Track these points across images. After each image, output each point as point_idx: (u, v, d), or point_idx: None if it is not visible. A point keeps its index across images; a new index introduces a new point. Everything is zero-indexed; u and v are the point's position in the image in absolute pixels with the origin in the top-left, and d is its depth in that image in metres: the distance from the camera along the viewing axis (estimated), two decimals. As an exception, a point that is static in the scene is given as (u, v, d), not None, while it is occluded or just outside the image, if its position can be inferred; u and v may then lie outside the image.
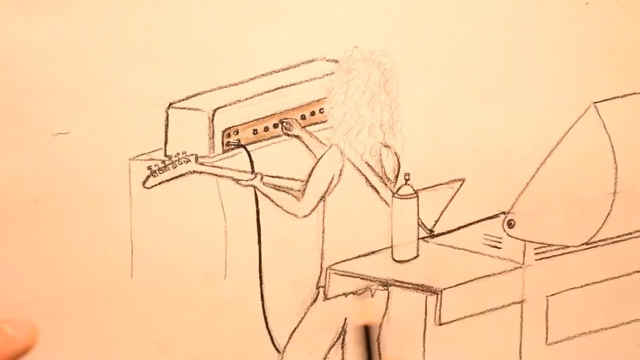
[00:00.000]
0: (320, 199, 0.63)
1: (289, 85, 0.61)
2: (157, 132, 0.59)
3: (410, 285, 0.64)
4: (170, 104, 0.59)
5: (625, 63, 0.67)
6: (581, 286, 0.68)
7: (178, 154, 0.60)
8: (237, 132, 0.61)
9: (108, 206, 0.59)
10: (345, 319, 0.64)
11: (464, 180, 0.64)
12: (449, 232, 0.65)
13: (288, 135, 0.62)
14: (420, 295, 0.65)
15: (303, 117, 0.62)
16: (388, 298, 0.64)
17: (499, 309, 0.66)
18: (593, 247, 0.68)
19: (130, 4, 0.58)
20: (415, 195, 0.64)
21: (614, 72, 0.66)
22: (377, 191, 0.64)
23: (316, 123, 0.62)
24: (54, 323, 0.59)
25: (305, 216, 0.63)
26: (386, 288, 0.64)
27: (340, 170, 0.63)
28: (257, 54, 0.60)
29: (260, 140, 0.61)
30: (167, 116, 0.59)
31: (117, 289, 0.60)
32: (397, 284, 0.64)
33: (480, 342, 0.66)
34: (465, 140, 0.64)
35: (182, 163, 0.60)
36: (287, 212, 0.62)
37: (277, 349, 0.63)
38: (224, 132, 0.61)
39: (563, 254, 0.67)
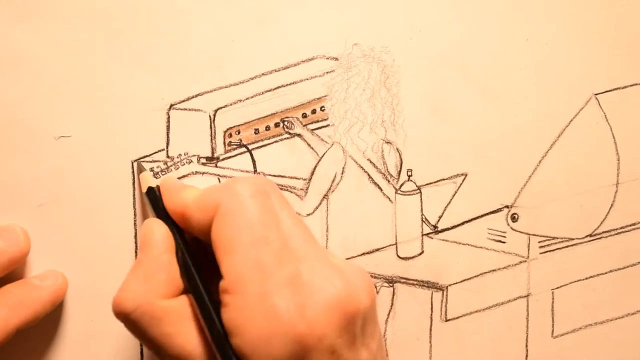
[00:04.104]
0: (323, 197, 0.63)
1: (290, 84, 0.61)
2: (158, 133, 0.59)
3: (415, 282, 0.64)
4: (171, 106, 0.59)
5: (626, 54, 0.67)
6: (586, 278, 0.68)
7: (180, 155, 0.60)
8: (239, 132, 0.61)
9: (112, 208, 0.59)
10: (351, 316, 0.64)
11: (466, 175, 0.64)
12: (452, 227, 0.65)
13: (289, 134, 0.62)
14: (426, 291, 0.65)
15: (304, 116, 0.62)
16: (393, 295, 0.64)
17: (504, 303, 0.66)
18: (597, 238, 0.68)
19: (129, 7, 0.58)
20: (418, 191, 0.64)
21: (614, 63, 0.66)
22: (380, 188, 0.64)
23: (317, 121, 0.62)
24: (59, 326, 0.59)
25: (308, 215, 0.63)
26: (391, 285, 0.64)
27: (343, 168, 0.63)
28: (257, 53, 0.60)
29: (262, 140, 0.61)
30: (168, 118, 0.59)
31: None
32: (402, 280, 0.64)
33: (487, 337, 0.66)
34: (466, 135, 0.64)
35: (184, 164, 0.60)
36: (291, 211, 0.62)
37: (283, 347, 0.63)
38: (225, 132, 0.61)
39: (567, 246, 0.67)
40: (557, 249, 0.67)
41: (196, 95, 0.60)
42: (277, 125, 0.61)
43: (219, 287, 0.48)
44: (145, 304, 0.49)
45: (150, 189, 0.56)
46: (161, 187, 0.55)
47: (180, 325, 0.49)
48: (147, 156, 0.59)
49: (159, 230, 0.52)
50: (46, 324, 0.59)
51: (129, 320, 0.49)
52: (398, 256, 0.64)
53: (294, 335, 0.44)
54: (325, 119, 0.62)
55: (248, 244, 0.47)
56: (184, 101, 0.59)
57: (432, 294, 0.65)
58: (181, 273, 0.51)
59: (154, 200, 0.55)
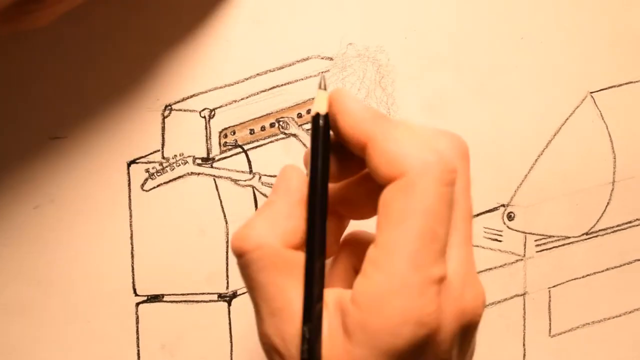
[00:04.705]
0: (319, 197, 0.63)
1: (285, 84, 0.61)
2: (153, 134, 0.59)
3: (411, 281, 0.64)
4: (166, 106, 0.59)
5: (622, 52, 0.67)
6: (583, 276, 0.68)
7: (175, 155, 0.60)
8: (234, 133, 0.61)
9: (107, 210, 0.59)
10: (348, 316, 0.64)
11: (462, 174, 0.64)
12: (449, 226, 0.65)
13: (285, 134, 0.62)
14: (422, 290, 0.65)
15: (299, 116, 0.62)
16: (390, 294, 0.64)
17: (501, 302, 0.66)
18: (593, 237, 0.68)
19: (125, 8, 0.58)
20: (414, 190, 0.64)
21: (610, 61, 0.66)
22: (375, 187, 0.63)
23: (313, 121, 0.62)
24: (56, 328, 0.59)
25: (304, 214, 0.62)
26: (388, 284, 0.64)
27: (338, 168, 0.63)
28: (251, 54, 0.60)
29: (257, 140, 0.61)
30: (164, 118, 0.59)
31: (119, 292, 0.60)
32: (399, 279, 0.64)
33: (484, 336, 0.66)
34: (462, 133, 0.64)
35: (179, 165, 0.60)
36: (287, 211, 0.62)
37: (280, 348, 0.63)
38: (220, 132, 0.61)
39: (564, 244, 0.67)
40: (553, 247, 0.67)
41: (191, 96, 0.60)
42: (272, 125, 0.61)
43: (366, 253, 0.46)
44: (267, 246, 0.46)
45: (324, 117, 0.47)
46: (335, 106, 0.47)
47: (293, 280, 0.46)
48: (142, 157, 0.59)
49: (299, 179, 0.48)
50: (43, 325, 0.59)
51: (246, 259, 0.46)
52: (394, 255, 0.64)
53: (422, 334, 0.43)
54: (320, 119, 0.62)
55: (416, 231, 0.44)
56: (179, 102, 0.59)
57: (428, 293, 0.65)
58: (307, 229, 0.47)
59: (323, 130, 0.47)
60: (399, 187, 0.45)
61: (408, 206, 0.44)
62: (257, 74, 0.60)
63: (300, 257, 0.47)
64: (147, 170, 0.59)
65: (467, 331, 0.46)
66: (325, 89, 0.48)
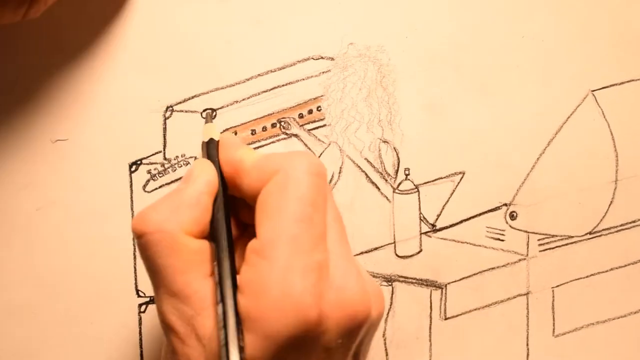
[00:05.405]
0: (321, 197, 0.63)
1: (286, 84, 0.61)
2: (155, 135, 0.59)
3: (414, 281, 0.64)
4: (168, 107, 0.59)
5: (623, 50, 0.67)
6: (587, 276, 0.68)
7: (177, 156, 0.60)
8: (236, 133, 0.61)
9: (110, 211, 0.59)
10: (351, 316, 0.64)
11: (464, 173, 0.64)
12: (451, 225, 0.65)
13: (286, 134, 0.62)
14: (425, 290, 0.65)
15: (301, 116, 0.62)
16: (392, 294, 0.64)
17: (504, 301, 0.66)
18: (597, 236, 0.67)
19: (126, 10, 0.58)
20: (416, 190, 0.64)
21: (611, 59, 0.66)
22: (377, 187, 0.63)
23: (314, 121, 0.62)
24: (59, 329, 0.59)
25: (306, 215, 0.62)
26: (390, 284, 0.64)
27: (340, 168, 0.63)
28: (252, 54, 0.60)
29: (258, 141, 0.61)
30: (165, 119, 0.59)
31: (121, 294, 0.60)
32: (401, 279, 0.64)
33: (487, 336, 0.66)
34: (464, 133, 0.64)
35: (181, 166, 0.60)
36: (289, 212, 0.62)
37: (282, 348, 0.63)
38: (222, 133, 0.61)
39: (567, 244, 0.67)
40: (556, 246, 0.67)
41: (193, 97, 0.60)
42: (273, 125, 0.61)
43: (247, 246, 0.47)
44: (166, 230, 0.48)
45: (211, 141, 0.54)
46: (220, 140, 0.54)
47: (192, 265, 0.48)
48: (144, 158, 0.59)
49: (208, 172, 0.51)
50: (46, 327, 0.59)
51: (144, 239, 0.48)
52: (396, 255, 0.64)
53: (303, 319, 0.44)
54: (321, 119, 0.62)
55: (293, 217, 0.46)
56: (180, 103, 0.59)
57: (431, 292, 0.65)
58: (212, 220, 0.50)
59: (211, 151, 0.54)
60: (273, 184, 0.48)
61: (283, 196, 0.47)
62: (258, 75, 0.60)
63: (200, 245, 0.49)
64: (149, 172, 0.59)
65: (352, 326, 0.47)
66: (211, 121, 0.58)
